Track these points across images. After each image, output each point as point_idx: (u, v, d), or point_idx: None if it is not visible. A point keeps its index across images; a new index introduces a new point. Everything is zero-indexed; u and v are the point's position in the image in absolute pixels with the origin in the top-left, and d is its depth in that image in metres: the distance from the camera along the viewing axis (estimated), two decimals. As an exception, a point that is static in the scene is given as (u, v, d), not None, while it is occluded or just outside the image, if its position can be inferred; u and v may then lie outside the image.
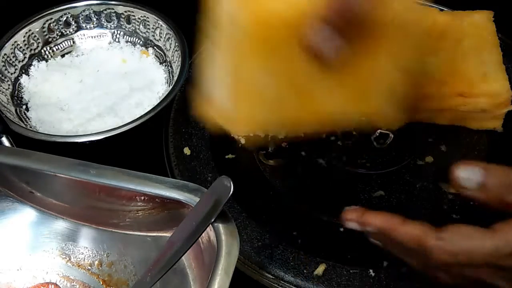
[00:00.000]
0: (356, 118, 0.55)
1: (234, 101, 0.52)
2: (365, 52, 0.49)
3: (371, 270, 0.61)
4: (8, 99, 0.74)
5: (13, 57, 0.74)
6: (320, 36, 0.46)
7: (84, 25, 0.83)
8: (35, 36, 0.80)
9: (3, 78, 0.75)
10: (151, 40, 0.82)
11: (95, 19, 0.83)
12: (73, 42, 0.83)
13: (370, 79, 0.51)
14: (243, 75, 0.50)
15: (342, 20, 0.46)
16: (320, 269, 0.61)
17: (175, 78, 0.75)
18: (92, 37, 0.84)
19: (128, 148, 0.73)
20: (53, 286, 0.58)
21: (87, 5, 0.82)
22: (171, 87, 0.73)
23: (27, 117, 0.73)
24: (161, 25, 0.79)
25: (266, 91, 0.50)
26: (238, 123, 0.55)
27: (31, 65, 0.79)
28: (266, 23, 0.47)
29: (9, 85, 0.75)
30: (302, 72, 0.49)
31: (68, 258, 0.60)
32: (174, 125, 0.73)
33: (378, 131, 0.74)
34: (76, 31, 0.83)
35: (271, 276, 0.61)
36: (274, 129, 0.67)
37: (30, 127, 0.71)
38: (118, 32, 0.84)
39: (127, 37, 0.83)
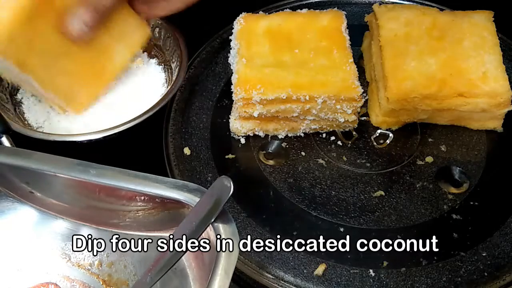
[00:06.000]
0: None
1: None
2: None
3: (371, 270, 0.61)
4: (7, 98, 0.74)
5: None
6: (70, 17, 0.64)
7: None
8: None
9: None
10: (150, 40, 0.82)
11: (95, 19, 0.82)
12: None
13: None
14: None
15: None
16: (320, 269, 0.61)
17: (174, 78, 0.74)
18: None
19: (128, 148, 0.73)
20: (53, 286, 0.58)
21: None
22: (170, 87, 0.73)
23: (25, 116, 0.73)
24: (160, 24, 0.79)
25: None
26: None
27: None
28: None
29: (8, 84, 0.75)
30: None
31: (68, 258, 0.60)
32: (174, 125, 0.73)
33: (378, 131, 0.74)
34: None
35: (271, 276, 0.61)
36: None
37: (29, 126, 0.71)
38: (118, 31, 0.83)
39: (127, 36, 0.83)
